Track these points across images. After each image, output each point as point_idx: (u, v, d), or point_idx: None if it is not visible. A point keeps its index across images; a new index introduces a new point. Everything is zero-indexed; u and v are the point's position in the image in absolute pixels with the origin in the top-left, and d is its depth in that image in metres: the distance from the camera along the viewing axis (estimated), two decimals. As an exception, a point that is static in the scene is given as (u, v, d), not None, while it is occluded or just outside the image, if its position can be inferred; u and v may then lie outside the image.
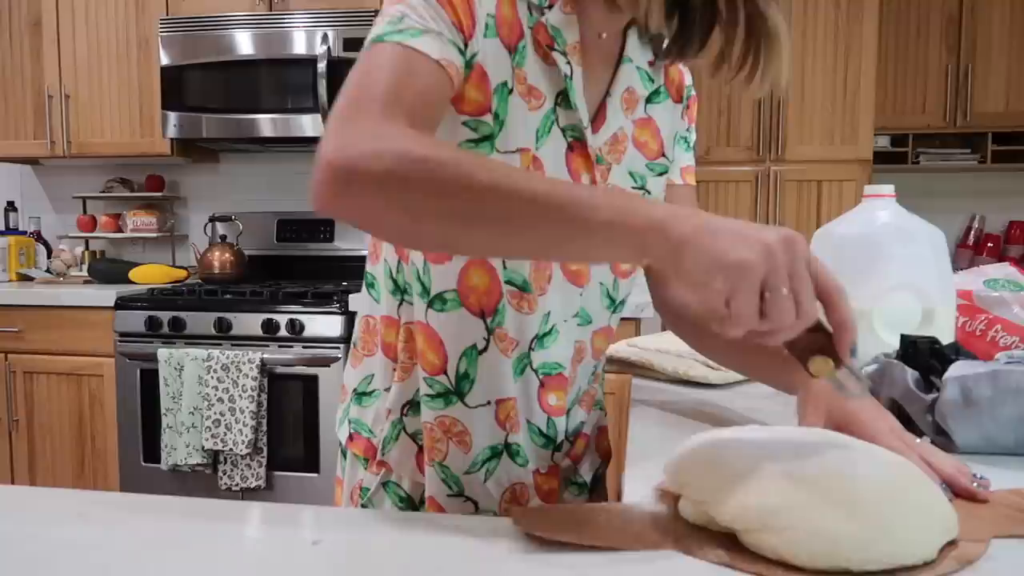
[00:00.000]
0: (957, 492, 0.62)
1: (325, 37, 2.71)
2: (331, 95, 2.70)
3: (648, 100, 0.89)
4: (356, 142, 0.60)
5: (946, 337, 0.94)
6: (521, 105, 0.78)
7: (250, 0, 2.84)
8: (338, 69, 2.71)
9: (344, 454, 0.96)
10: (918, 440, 0.69)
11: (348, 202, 0.62)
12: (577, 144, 0.82)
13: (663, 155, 0.91)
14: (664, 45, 0.83)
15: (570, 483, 0.94)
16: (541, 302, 0.84)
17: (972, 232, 3.28)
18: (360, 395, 0.92)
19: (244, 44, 2.78)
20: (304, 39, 2.73)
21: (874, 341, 0.96)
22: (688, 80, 0.95)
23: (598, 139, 0.84)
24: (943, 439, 0.75)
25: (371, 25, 2.56)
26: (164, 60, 2.82)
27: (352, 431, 0.93)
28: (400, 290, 0.85)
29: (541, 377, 0.87)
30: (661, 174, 0.92)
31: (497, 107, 0.76)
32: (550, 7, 0.78)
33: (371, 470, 0.91)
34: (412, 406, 0.87)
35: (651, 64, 0.89)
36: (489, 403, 0.85)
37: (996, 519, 0.58)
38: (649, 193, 0.90)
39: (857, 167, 2.78)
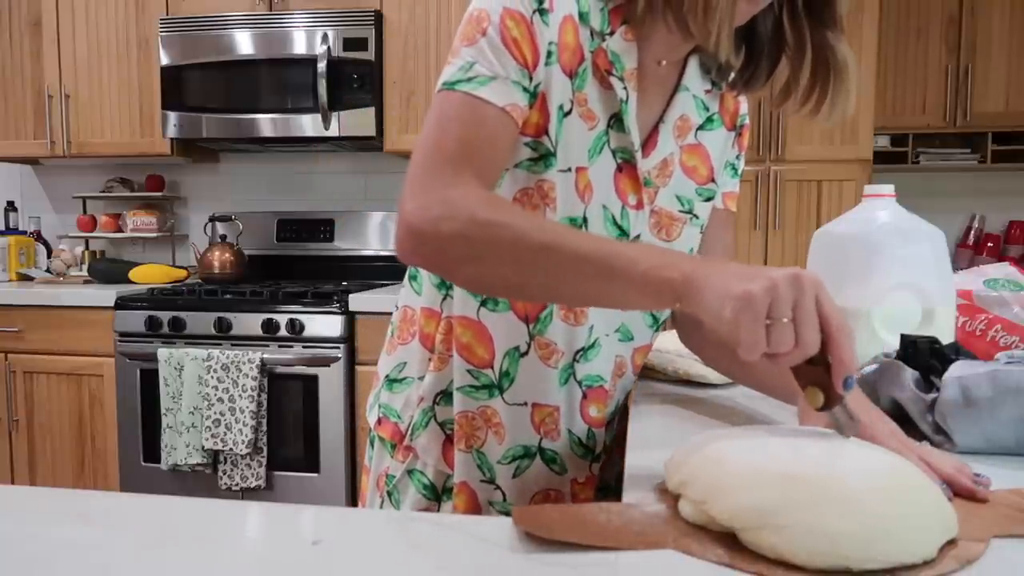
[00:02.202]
0: (957, 491, 0.62)
1: (325, 37, 2.71)
2: (331, 95, 2.71)
3: (700, 127, 0.91)
4: (430, 205, 0.70)
5: (946, 337, 0.94)
6: (579, 126, 0.81)
7: (250, 0, 2.84)
8: (338, 69, 2.72)
9: (372, 442, 1.00)
10: (917, 444, 0.69)
11: (425, 257, 0.73)
12: (626, 165, 0.85)
13: (712, 180, 0.93)
14: (731, 76, 0.86)
15: (596, 489, 0.97)
16: (590, 315, 0.88)
17: (972, 232, 3.28)
18: (392, 381, 0.96)
19: (244, 44, 2.78)
20: (304, 39, 2.73)
21: (874, 341, 0.96)
22: (743, 109, 0.97)
23: (648, 163, 0.87)
24: (943, 439, 0.75)
25: (371, 24, 2.56)
26: (164, 60, 2.82)
27: (381, 415, 0.97)
28: (445, 285, 0.90)
29: (584, 389, 0.91)
30: (708, 199, 0.94)
31: (556, 129, 0.80)
32: (611, 34, 0.81)
33: (397, 457, 0.95)
34: (445, 396, 0.91)
35: (708, 92, 0.91)
36: (526, 404, 0.89)
37: (996, 519, 0.57)
38: (697, 218, 0.93)
39: (857, 167, 2.78)
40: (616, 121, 0.83)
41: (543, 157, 0.81)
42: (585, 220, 0.84)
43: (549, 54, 0.78)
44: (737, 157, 0.98)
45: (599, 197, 0.84)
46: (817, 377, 0.60)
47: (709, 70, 0.90)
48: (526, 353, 0.88)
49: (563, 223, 0.81)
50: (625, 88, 0.82)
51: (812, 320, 0.57)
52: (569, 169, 0.82)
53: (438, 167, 0.73)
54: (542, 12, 0.77)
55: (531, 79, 0.77)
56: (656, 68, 0.86)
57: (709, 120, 0.91)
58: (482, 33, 0.76)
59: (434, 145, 0.74)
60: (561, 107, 0.80)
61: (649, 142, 0.87)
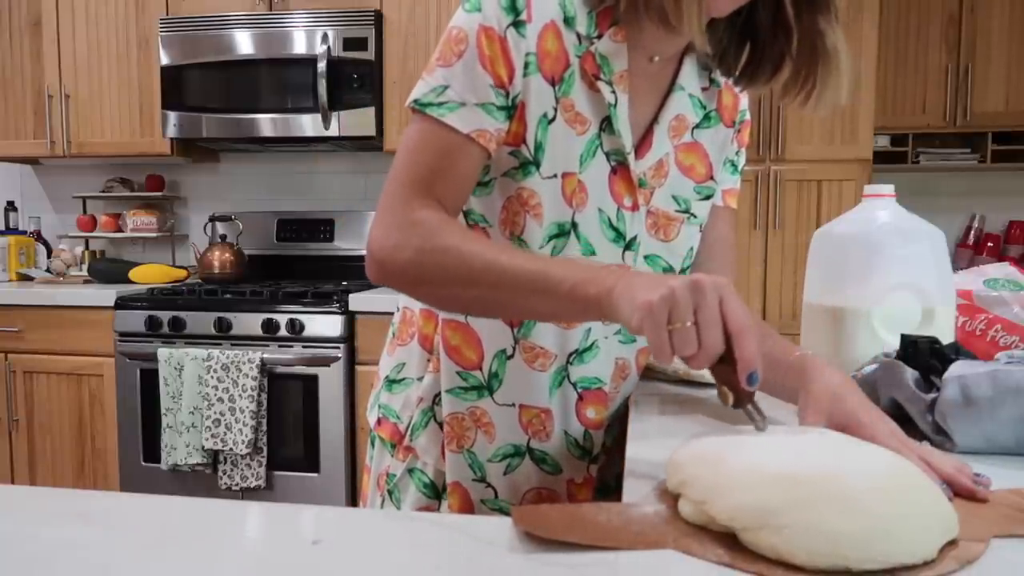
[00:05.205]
0: (957, 491, 0.62)
1: (325, 37, 2.71)
2: (331, 95, 2.71)
3: (697, 126, 0.91)
4: (390, 233, 0.77)
5: (946, 337, 0.94)
6: (566, 132, 0.82)
7: (250, 0, 2.84)
8: (338, 69, 2.72)
9: (373, 442, 1.00)
10: (917, 444, 0.69)
11: (387, 281, 0.79)
12: (620, 168, 0.85)
13: (711, 178, 0.93)
14: (736, 72, 0.86)
15: (596, 489, 0.97)
16: None
17: (972, 232, 3.28)
18: (391, 382, 0.97)
19: (244, 44, 2.78)
20: (304, 39, 2.73)
21: (874, 341, 0.96)
22: (743, 105, 0.96)
23: (643, 164, 0.87)
24: (943, 439, 0.75)
25: (371, 24, 2.55)
26: (164, 60, 2.82)
27: (380, 415, 0.98)
28: None
29: (580, 391, 0.91)
30: (707, 197, 0.94)
31: (539, 137, 0.81)
32: (599, 37, 0.80)
33: (397, 456, 0.96)
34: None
35: (704, 90, 0.90)
36: (513, 405, 0.90)
37: (996, 519, 0.57)
38: (695, 217, 0.92)
39: (857, 167, 2.78)
40: (607, 124, 0.83)
41: (522, 165, 0.82)
42: (574, 225, 0.84)
43: (527, 65, 0.78)
44: (737, 153, 0.97)
45: (594, 200, 0.84)
46: (727, 376, 0.64)
47: (708, 68, 0.90)
48: (512, 356, 0.88)
49: (509, 243, 0.84)
50: (614, 92, 0.82)
51: (713, 322, 0.60)
52: (554, 175, 0.82)
53: (400, 196, 0.78)
54: (518, 25, 0.78)
55: (507, 95, 0.79)
56: (649, 66, 0.85)
57: (706, 118, 0.91)
58: (458, 56, 0.78)
59: (399, 174, 0.79)
60: (544, 115, 0.80)
61: (644, 143, 0.87)
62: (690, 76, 0.88)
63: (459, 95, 0.78)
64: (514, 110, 0.80)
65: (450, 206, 0.79)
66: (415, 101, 0.79)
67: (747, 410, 0.65)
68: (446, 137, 0.78)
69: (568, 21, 0.79)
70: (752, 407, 0.64)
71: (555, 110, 0.80)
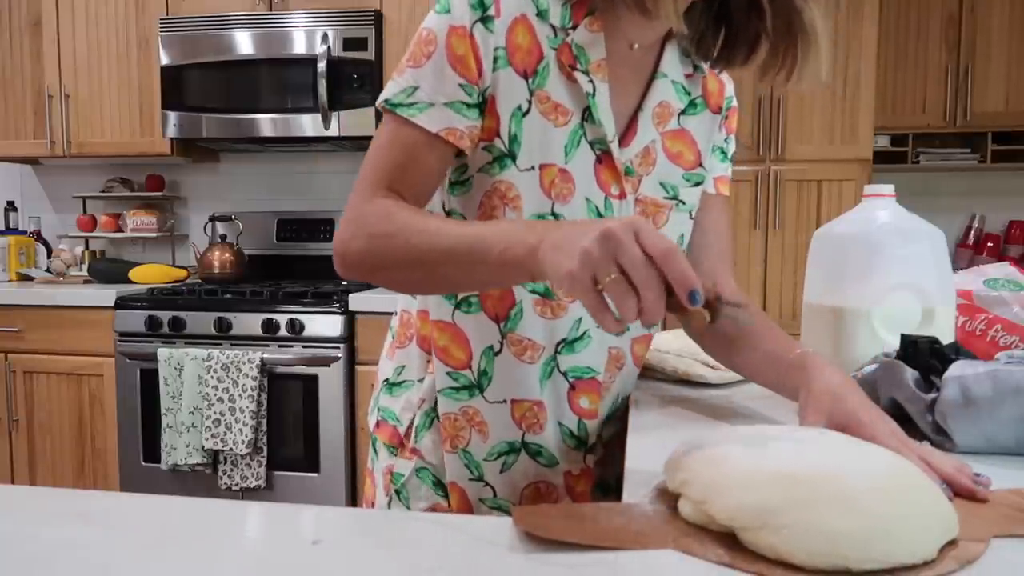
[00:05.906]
0: (957, 491, 0.62)
1: (325, 37, 2.71)
2: (331, 95, 2.71)
3: (683, 112, 0.90)
4: (346, 228, 0.79)
5: (946, 337, 0.94)
6: (542, 124, 0.81)
7: (250, 0, 2.84)
8: (338, 69, 2.72)
9: (374, 444, 1.00)
10: (917, 444, 0.69)
11: (350, 273, 0.81)
12: (605, 156, 0.85)
13: (700, 165, 0.93)
14: (713, 56, 0.86)
15: (597, 485, 0.97)
16: (571, 307, 0.87)
17: (972, 232, 3.28)
18: (391, 385, 0.97)
19: (244, 44, 2.78)
20: (304, 39, 2.73)
21: (874, 341, 0.96)
22: (729, 91, 0.96)
23: (628, 152, 0.86)
24: (943, 439, 0.75)
25: (371, 24, 2.55)
26: (164, 60, 2.82)
27: (380, 418, 0.98)
28: None
29: (571, 380, 0.91)
30: (697, 184, 0.93)
31: (513, 130, 0.81)
32: (575, 27, 0.81)
33: (403, 457, 0.95)
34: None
35: (688, 77, 0.90)
36: (505, 401, 0.90)
37: (996, 519, 0.57)
38: (683, 203, 0.92)
39: (857, 167, 2.78)
40: (588, 114, 0.83)
41: (498, 159, 0.82)
42: (555, 216, 0.84)
43: (496, 59, 0.79)
44: (726, 140, 0.97)
45: (581, 190, 0.84)
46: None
47: (689, 54, 0.90)
48: (499, 352, 0.88)
49: (447, 217, 0.85)
50: (591, 81, 0.82)
51: (638, 262, 0.56)
52: (532, 168, 0.82)
53: (362, 192, 0.79)
54: (486, 20, 0.78)
55: (477, 91, 0.79)
56: (630, 54, 0.85)
57: (692, 105, 0.91)
58: (427, 56, 0.79)
59: (365, 173, 0.80)
60: (518, 108, 0.80)
61: (629, 131, 0.86)
62: (672, 63, 0.88)
63: (428, 95, 0.78)
64: (485, 105, 0.80)
65: (408, 197, 0.80)
66: (385, 101, 0.80)
67: (727, 315, 0.61)
68: (414, 136, 0.79)
69: (541, 14, 0.80)
70: (729, 308, 0.61)
71: (529, 102, 0.81)
